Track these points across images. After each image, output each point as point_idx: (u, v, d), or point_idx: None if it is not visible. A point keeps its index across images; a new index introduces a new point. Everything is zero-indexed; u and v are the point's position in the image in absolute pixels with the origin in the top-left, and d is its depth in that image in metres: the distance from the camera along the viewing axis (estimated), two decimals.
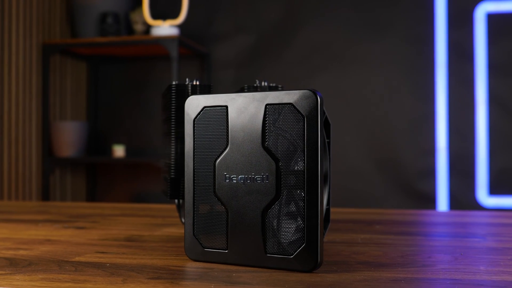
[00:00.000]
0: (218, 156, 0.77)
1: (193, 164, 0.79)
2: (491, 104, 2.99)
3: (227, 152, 0.76)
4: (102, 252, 0.84)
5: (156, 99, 3.32)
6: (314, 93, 0.71)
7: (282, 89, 0.96)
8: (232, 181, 0.75)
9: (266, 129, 0.74)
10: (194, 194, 0.78)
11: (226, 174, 0.76)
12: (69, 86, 3.29)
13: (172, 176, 0.95)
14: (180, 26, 3.12)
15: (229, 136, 0.76)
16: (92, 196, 3.41)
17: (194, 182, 0.78)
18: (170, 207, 1.48)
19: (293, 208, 0.72)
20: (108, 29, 3.06)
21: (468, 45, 3.03)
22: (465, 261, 0.78)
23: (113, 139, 3.38)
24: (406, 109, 3.09)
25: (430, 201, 3.04)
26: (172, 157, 0.95)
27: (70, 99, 3.30)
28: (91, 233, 1.03)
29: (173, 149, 0.95)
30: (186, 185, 0.79)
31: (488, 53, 3.01)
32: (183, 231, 1.05)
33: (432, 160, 3.06)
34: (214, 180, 0.77)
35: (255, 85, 0.99)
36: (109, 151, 3.32)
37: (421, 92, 3.08)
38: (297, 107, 0.71)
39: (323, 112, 0.72)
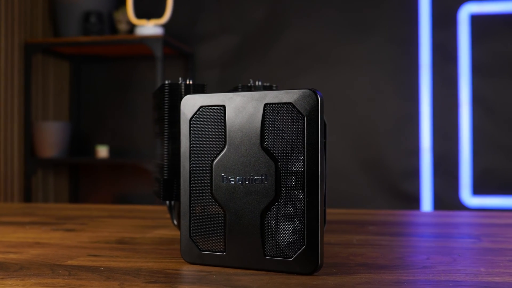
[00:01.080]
0: (216, 157, 0.75)
1: (190, 164, 0.77)
2: (475, 105, 3.01)
3: (225, 152, 0.74)
4: (95, 255, 0.82)
5: (140, 99, 3.29)
6: (314, 92, 0.70)
7: (278, 89, 0.95)
8: (230, 182, 0.74)
9: (265, 129, 0.72)
10: (190, 195, 0.77)
11: (223, 175, 0.74)
12: (52, 86, 3.25)
13: (165, 177, 0.93)
14: (165, 26, 3.09)
15: (227, 136, 0.74)
16: (75, 197, 3.36)
17: (190, 183, 0.77)
18: (159, 209, 1.46)
19: (292, 209, 0.71)
20: (91, 28, 3.03)
21: (452, 46, 3.04)
22: (464, 262, 0.78)
23: (96, 139, 3.34)
24: (391, 109, 3.10)
25: (414, 201, 3.05)
26: (165, 158, 0.93)
27: (53, 99, 3.26)
28: (81, 236, 1.01)
29: (166, 150, 0.93)
30: (182, 186, 0.77)
31: (471, 54, 3.02)
32: (175, 233, 1.04)
33: (416, 160, 3.07)
34: (211, 181, 0.75)
35: (249, 84, 0.97)
36: (92, 152, 3.28)
37: (406, 93, 3.09)
38: (297, 107, 0.70)
39: (323, 112, 0.70)
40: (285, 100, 0.71)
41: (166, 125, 0.93)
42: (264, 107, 0.72)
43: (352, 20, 3.12)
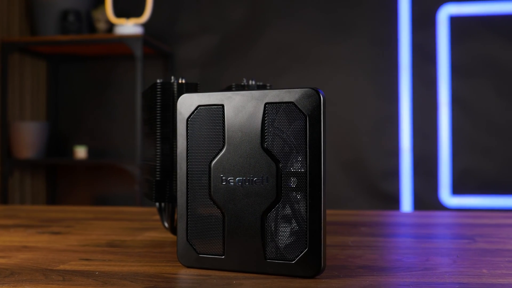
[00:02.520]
0: (214, 158, 0.73)
1: (187, 165, 0.75)
2: (454, 106, 3.03)
3: (224, 153, 0.72)
4: (87, 259, 0.80)
5: (119, 99, 3.25)
6: (317, 91, 0.68)
7: (271, 88, 0.93)
8: (229, 183, 0.72)
9: (266, 129, 0.70)
10: (187, 197, 0.75)
11: (222, 176, 0.72)
12: (29, 86, 3.19)
13: (158, 178, 0.91)
14: (144, 25, 3.06)
15: (226, 137, 0.72)
16: (53, 198, 3.31)
17: (187, 185, 0.75)
18: (145, 210, 1.43)
19: (294, 211, 0.69)
20: (69, 27, 2.98)
21: (431, 47, 3.06)
22: (465, 263, 0.77)
23: (74, 140, 3.29)
24: (370, 110, 3.11)
25: (394, 201, 3.06)
26: (158, 159, 0.91)
27: (30, 99, 3.20)
28: (69, 239, 0.98)
29: (158, 151, 0.91)
30: (178, 188, 0.75)
31: (450, 55, 3.04)
32: (165, 235, 1.01)
33: (396, 160, 3.08)
34: (209, 182, 0.73)
35: (242, 84, 0.96)
36: (70, 153, 3.22)
37: (385, 93, 3.10)
38: (299, 106, 0.69)
39: (326, 112, 0.69)
40: (286, 99, 0.69)
41: (158, 125, 0.91)
42: (265, 107, 0.70)
43: (332, 20, 3.12)
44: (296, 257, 0.68)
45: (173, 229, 0.96)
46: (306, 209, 0.68)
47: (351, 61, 3.12)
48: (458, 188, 3.04)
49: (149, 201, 3.11)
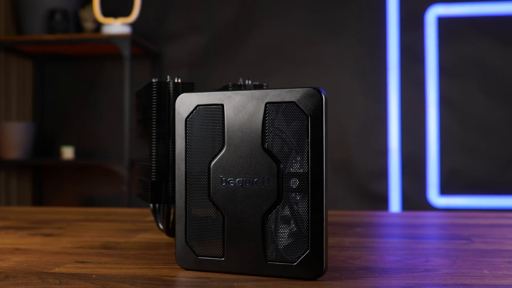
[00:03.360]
0: (213, 158, 0.72)
1: (185, 166, 0.74)
2: (442, 106, 3.04)
3: (223, 153, 0.71)
4: (82, 262, 0.78)
5: (106, 99, 3.22)
6: (319, 91, 0.67)
7: (268, 88, 0.92)
8: (229, 184, 0.71)
9: (266, 129, 0.69)
10: (186, 198, 0.73)
11: (222, 177, 0.71)
12: (15, 86, 3.15)
13: (153, 179, 0.89)
14: (132, 25, 3.04)
15: (226, 137, 0.71)
16: (39, 200, 3.27)
17: (186, 186, 0.73)
18: (136, 211, 1.42)
19: (295, 212, 0.68)
20: (56, 26, 2.95)
21: (419, 48, 3.07)
22: (465, 264, 0.76)
23: (61, 140, 3.25)
24: (359, 110, 3.11)
25: (382, 201, 3.07)
26: (153, 159, 0.90)
27: (16, 99, 3.16)
28: (62, 241, 0.96)
29: (154, 151, 0.90)
30: (177, 189, 0.74)
31: (438, 56, 3.05)
32: (160, 236, 1.00)
33: (384, 161, 3.08)
34: (209, 183, 0.72)
35: (239, 83, 0.95)
36: (57, 153, 3.19)
37: (374, 94, 3.10)
38: (300, 106, 0.68)
39: (327, 112, 0.68)
40: (287, 99, 0.68)
41: (153, 126, 0.90)
42: (265, 106, 0.69)
43: (321, 20, 3.12)
44: (298, 259, 0.67)
45: (168, 231, 0.95)
46: (308, 210, 0.67)
47: (340, 62, 3.12)
48: (446, 188, 3.05)
49: (139, 202, 3.09)
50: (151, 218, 1.26)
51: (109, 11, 3.06)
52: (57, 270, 0.73)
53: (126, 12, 3.04)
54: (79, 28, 3.12)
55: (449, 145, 3.04)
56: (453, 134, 3.03)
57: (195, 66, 3.18)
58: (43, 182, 3.30)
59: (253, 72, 3.10)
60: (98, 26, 3.05)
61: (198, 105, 0.73)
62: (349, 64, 3.11)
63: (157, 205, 0.97)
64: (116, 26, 2.90)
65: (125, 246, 0.91)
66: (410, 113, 3.07)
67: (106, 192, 3.20)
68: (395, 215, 1.57)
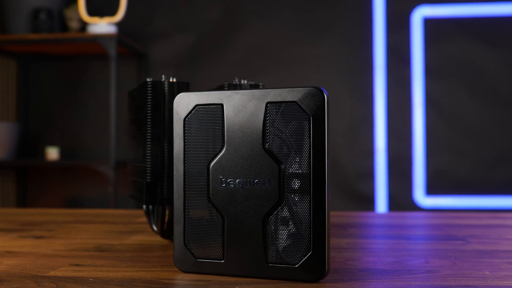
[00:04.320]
0: (213, 159, 0.71)
1: (184, 167, 0.72)
2: (428, 107, 3.05)
3: (223, 154, 0.70)
4: (77, 265, 0.77)
5: (92, 99, 3.19)
6: (321, 90, 0.67)
7: (264, 88, 0.91)
8: (229, 185, 0.70)
9: (267, 129, 0.68)
10: (184, 200, 0.72)
11: (222, 178, 0.70)
12: None
13: (148, 180, 0.88)
14: (118, 24, 3.01)
15: (225, 137, 0.70)
16: (23, 201, 3.23)
17: (184, 187, 0.72)
18: (127, 213, 1.40)
19: (297, 214, 0.67)
20: (41, 25, 2.91)
21: (405, 49, 3.08)
22: (466, 265, 0.76)
23: (46, 141, 3.21)
24: (345, 111, 3.11)
25: (369, 202, 3.07)
26: (148, 160, 0.88)
27: (0, 99, 3.12)
28: (54, 243, 0.94)
29: (149, 152, 0.88)
30: (175, 190, 0.73)
31: (424, 57, 3.06)
32: (154, 238, 0.99)
33: (371, 161, 3.08)
34: (208, 184, 0.71)
35: (234, 83, 0.94)
36: (42, 154, 3.15)
37: (360, 94, 3.11)
38: (302, 106, 0.67)
39: (329, 112, 0.67)
40: (289, 98, 0.67)
41: (148, 126, 0.88)
42: (266, 106, 0.68)
43: (307, 21, 3.12)
44: (300, 261, 0.66)
45: (163, 233, 0.93)
46: (310, 211, 0.66)
47: (326, 62, 3.12)
48: (432, 189, 3.06)
49: (125, 203, 3.07)
50: (143, 219, 1.25)
51: (94, 10, 3.03)
52: (52, 273, 0.72)
53: (112, 12, 3.01)
54: (64, 27, 3.09)
55: (435, 146, 3.05)
56: (439, 134, 3.04)
57: (181, 66, 3.16)
58: (27, 183, 3.26)
59: (240, 72, 3.09)
60: (84, 25, 3.02)
61: (196, 105, 0.72)
62: (336, 65, 3.11)
63: (150, 207, 0.96)
64: (102, 26, 2.87)
65: (120, 248, 0.89)
66: (396, 113, 3.08)
67: (91, 193, 3.17)
68: (385, 215, 1.57)
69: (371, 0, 3.10)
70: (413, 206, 3.05)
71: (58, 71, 3.26)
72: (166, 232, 0.93)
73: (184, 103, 0.72)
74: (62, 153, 3.10)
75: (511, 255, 0.83)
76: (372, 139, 3.09)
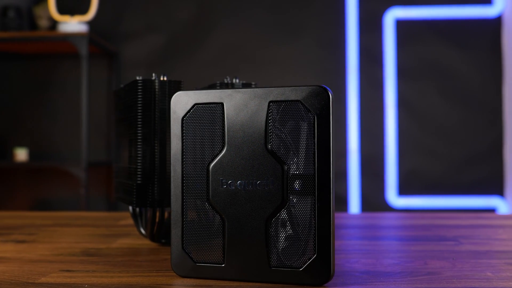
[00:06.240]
0: (213, 159, 0.69)
1: (182, 168, 0.70)
2: (400, 108, 3.07)
3: (224, 154, 0.68)
4: (68, 271, 0.74)
5: (61, 99, 3.12)
6: (325, 89, 0.65)
7: (256, 87, 0.89)
8: (230, 187, 0.67)
9: (270, 129, 0.66)
10: (183, 202, 0.70)
11: (222, 179, 0.68)
12: None
13: (139, 181, 0.85)
14: (89, 23, 2.95)
15: (226, 137, 0.68)
16: None
17: (183, 189, 0.70)
18: (106, 215, 1.36)
19: (301, 216, 0.65)
20: (9, 23, 2.84)
21: (377, 50, 3.09)
22: (466, 267, 0.75)
23: (14, 141, 3.13)
24: None
25: (342, 202, 3.07)
26: (139, 161, 0.85)
27: None
28: (38, 248, 0.91)
29: (139, 152, 0.85)
30: (172, 192, 0.70)
31: (397, 58, 3.08)
32: (141, 242, 0.96)
33: (344, 162, 3.09)
34: (208, 186, 0.69)
35: (226, 81, 0.91)
36: (10, 155, 3.07)
37: (333, 95, 3.11)
38: (306, 105, 0.65)
39: (334, 111, 0.66)
40: (292, 97, 0.66)
41: (139, 126, 0.86)
42: (269, 105, 0.66)
43: (280, 21, 3.11)
44: (304, 264, 0.64)
45: (152, 236, 0.91)
46: (314, 213, 0.64)
47: (299, 63, 3.11)
48: (404, 189, 3.08)
49: (97, 205, 3.01)
50: (125, 222, 1.22)
51: (65, 8, 2.97)
52: (43, 280, 0.68)
53: (83, 10, 2.95)
54: (33, 25, 3.01)
55: (407, 146, 3.07)
56: (411, 135, 3.07)
57: (153, 66, 3.12)
58: None
59: (212, 72, 3.06)
60: (54, 24, 2.95)
61: (195, 104, 0.69)
62: (309, 65, 3.11)
63: (137, 209, 0.93)
64: (73, 24, 2.81)
65: (108, 253, 0.86)
66: (369, 114, 3.09)
67: (61, 195, 3.10)
68: (363, 216, 1.56)
69: (344, 1, 3.10)
70: (385, 207, 3.07)
71: (27, 70, 3.19)
72: (156, 235, 0.90)
73: (182, 102, 0.70)
74: (31, 154, 3.03)
75: (508, 256, 0.83)
76: (345, 140, 3.09)
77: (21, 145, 3.06)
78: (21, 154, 2.90)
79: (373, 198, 3.08)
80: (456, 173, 3.04)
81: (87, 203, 2.70)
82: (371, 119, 3.09)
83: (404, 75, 3.07)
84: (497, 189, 3.03)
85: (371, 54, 3.09)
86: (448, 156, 3.05)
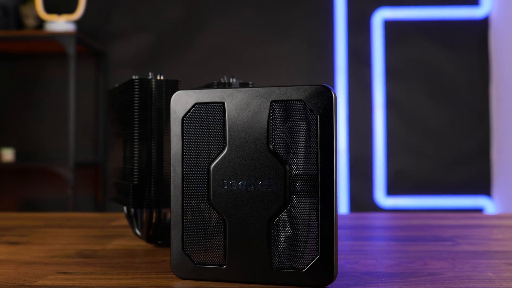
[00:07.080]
0: (214, 160, 0.68)
1: (182, 168, 0.69)
2: (388, 108, 3.08)
3: (225, 154, 0.67)
4: (65, 273, 0.72)
5: (48, 99, 3.09)
6: (328, 88, 0.64)
7: (253, 86, 0.88)
8: (231, 187, 0.67)
9: (272, 129, 0.66)
10: (183, 203, 0.69)
11: (223, 180, 0.67)
12: None
13: (135, 182, 0.84)
14: (76, 22, 2.93)
15: (227, 137, 0.67)
16: None
17: (183, 189, 0.69)
18: (98, 216, 1.35)
19: (304, 216, 0.64)
20: None
21: (366, 50, 3.10)
22: (467, 267, 0.75)
23: (0, 142, 3.10)
24: None
25: None
26: (135, 162, 0.84)
27: None
28: (32, 250, 0.89)
29: (136, 153, 0.84)
30: (172, 193, 0.69)
31: (385, 58, 3.09)
32: (137, 243, 0.94)
33: None
34: (209, 186, 0.68)
35: (223, 81, 0.90)
36: None
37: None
38: (309, 105, 0.64)
39: (337, 111, 0.65)
40: (294, 97, 0.65)
41: (136, 126, 0.84)
42: (271, 105, 0.66)
43: (269, 21, 3.10)
44: (307, 265, 0.64)
45: (148, 237, 0.89)
46: (318, 214, 0.64)
47: (288, 63, 3.11)
48: (392, 189, 3.09)
49: (85, 206, 2.98)
50: (118, 223, 1.20)
51: (52, 7, 2.94)
52: (41, 282, 0.67)
53: (70, 9, 2.93)
54: (20, 24, 2.98)
55: (395, 147, 3.08)
56: (399, 135, 3.08)
57: (141, 66, 3.10)
58: None
59: (201, 72, 3.05)
60: (40, 23, 2.92)
61: (196, 103, 0.68)
62: (297, 66, 3.11)
63: (132, 210, 0.92)
64: (60, 24, 2.79)
65: (104, 254, 0.85)
66: (358, 114, 3.09)
67: (48, 195, 3.08)
68: (354, 216, 1.56)
69: (332, 1, 3.11)
70: (374, 207, 3.08)
71: (13, 70, 3.15)
72: (152, 236, 0.89)
73: (182, 101, 0.69)
74: (18, 155, 3.00)
75: (506, 256, 0.83)
76: None
77: (7, 145, 3.03)
78: (8, 155, 2.86)
79: (362, 198, 3.08)
80: (444, 173, 3.05)
81: (75, 203, 2.68)
82: (359, 119, 3.09)
83: (392, 76, 3.08)
84: (484, 189, 3.05)
85: (360, 55, 3.09)
86: (435, 156, 3.07)
